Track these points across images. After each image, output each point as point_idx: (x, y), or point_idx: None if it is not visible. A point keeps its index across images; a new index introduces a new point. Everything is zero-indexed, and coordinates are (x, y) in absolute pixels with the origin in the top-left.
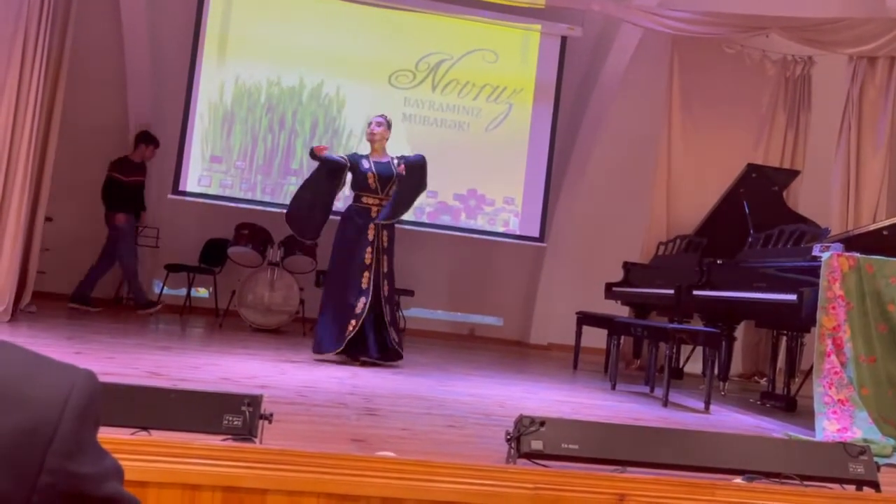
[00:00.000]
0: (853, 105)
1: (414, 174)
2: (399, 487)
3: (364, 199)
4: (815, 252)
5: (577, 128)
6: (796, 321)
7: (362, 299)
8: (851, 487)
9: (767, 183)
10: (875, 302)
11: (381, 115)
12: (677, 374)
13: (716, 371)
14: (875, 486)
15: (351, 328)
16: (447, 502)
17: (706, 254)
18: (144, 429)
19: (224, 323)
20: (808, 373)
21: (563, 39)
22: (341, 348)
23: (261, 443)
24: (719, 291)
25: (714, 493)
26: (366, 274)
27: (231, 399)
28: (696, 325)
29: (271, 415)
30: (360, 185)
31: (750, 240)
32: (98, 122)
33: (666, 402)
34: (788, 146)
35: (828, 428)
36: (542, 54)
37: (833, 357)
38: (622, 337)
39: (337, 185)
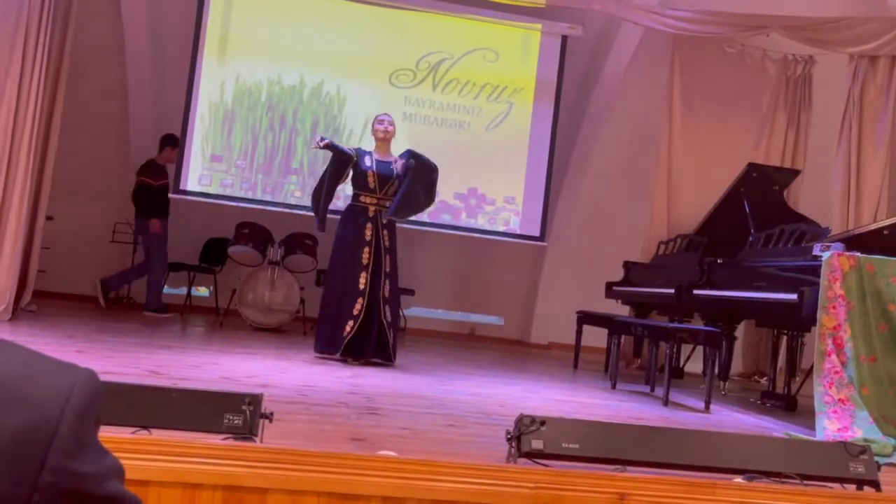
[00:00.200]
0: (854, 104)
1: (420, 170)
2: (400, 487)
3: (362, 199)
4: (816, 251)
5: (578, 127)
6: (797, 320)
7: (360, 300)
8: (852, 487)
9: (768, 182)
10: (875, 301)
11: (389, 114)
12: (678, 373)
13: (716, 370)
14: (875, 485)
15: (348, 329)
16: (448, 501)
17: (707, 253)
18: (145, 428)
19: (224, 322)
20: (809, 372)
21: (564, 39)
22: (339, 352)
23: (261, 442)
24: (720, 291)
25: (714, 492)
26: (363, 274)
27: (232, 398)
28: (697, 324)
29: (272, 414)
30: (359, 184)
31: (750, 239)
32: (98, 121)
33: (666, 402)
34: (789, 145)
35: (828, 427)
36: (542, 53)
37: (833, 356)
38: (623, 336)
39: (341, 177)
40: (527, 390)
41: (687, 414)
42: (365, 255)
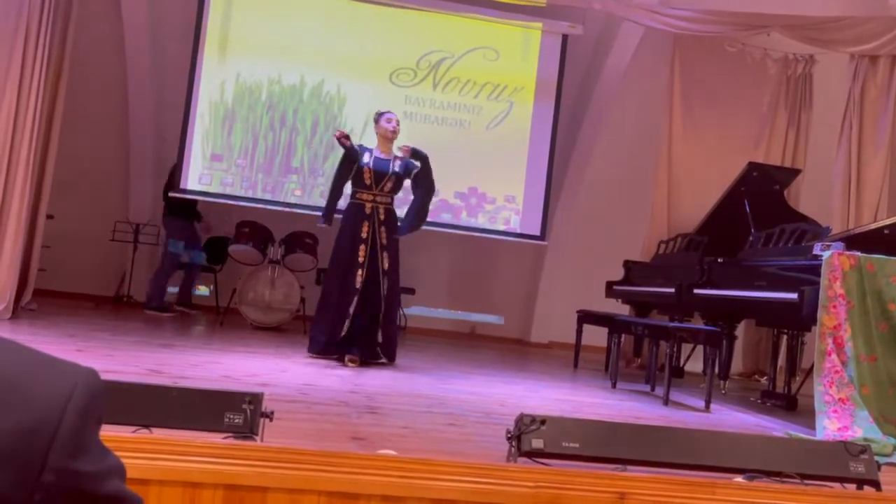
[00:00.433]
0: (854, 104)
1: (423, 174)
2: (400, 486)
3: (359, 195)
4: (816, 251)
5: (578, 126)
6: (797, 320)
7: (355, 299)
8: (852, 486)
9: (769, 181)
10: (876, 301)
11: (394, 112)
12: (678, 372)
13: (716, 370)
14: (875, 484)
15: (344, 328)
16: (448, 500)
17: (707, 252)
18: (146, 427)
19: (225, 321)
20: (809, 372)
21: (565, 37)
22: (333, 354)
23: (262, 441)
24: (720, 290)
25: (714, 491)
26: (359, 272)
27: (232, 397)
28: (697, 323)
29: (272, 413)
30: (356, 181)
31: (751, 238)
32: (99, 120)
33: (666, 401)
34: (790, 145)
35: (828, 427)
36: (543, 52)
37: (834, 356)
38: (623, 335)
39: (348, 174)
40: (527, 389)
41: (687, 413)
42: (361, 253)
